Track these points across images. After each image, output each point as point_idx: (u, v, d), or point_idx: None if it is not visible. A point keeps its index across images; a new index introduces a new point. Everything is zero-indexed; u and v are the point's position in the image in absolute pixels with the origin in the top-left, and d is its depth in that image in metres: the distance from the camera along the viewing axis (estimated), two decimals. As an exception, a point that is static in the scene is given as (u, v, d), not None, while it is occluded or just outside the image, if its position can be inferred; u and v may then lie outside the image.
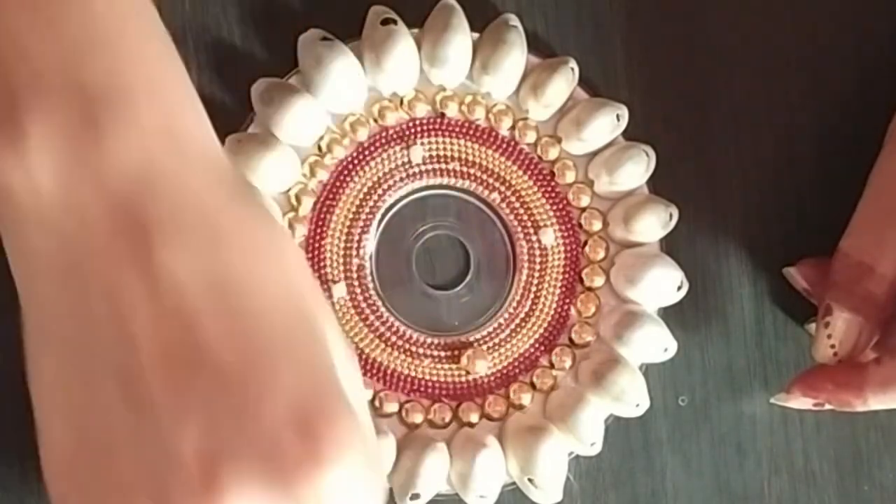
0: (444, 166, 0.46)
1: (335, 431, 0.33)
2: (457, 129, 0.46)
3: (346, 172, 0.46)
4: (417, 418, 0.45)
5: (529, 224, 0.46)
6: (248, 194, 0.35)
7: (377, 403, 0.45)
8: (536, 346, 0.46)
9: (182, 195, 0.33)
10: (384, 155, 0.46)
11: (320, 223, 0.45)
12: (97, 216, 0.32)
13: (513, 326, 0.46)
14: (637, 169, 0.46)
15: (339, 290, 0.45)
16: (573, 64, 0.46)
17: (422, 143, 0.46)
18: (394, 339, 0.45)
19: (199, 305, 0.33)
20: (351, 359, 0.37)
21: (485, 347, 0.46)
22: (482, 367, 0.45)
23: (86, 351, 0.33)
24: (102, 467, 0.33)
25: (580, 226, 0.47)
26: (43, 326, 0.34)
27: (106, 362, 0.33)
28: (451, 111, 0.46)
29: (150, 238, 0.33)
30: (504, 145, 0.46)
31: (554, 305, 0.46)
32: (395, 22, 0.45)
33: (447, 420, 0.45)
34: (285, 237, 0.36)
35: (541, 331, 0.46)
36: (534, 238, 0.46)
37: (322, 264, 0.45)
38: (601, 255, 0.46)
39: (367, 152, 0.46)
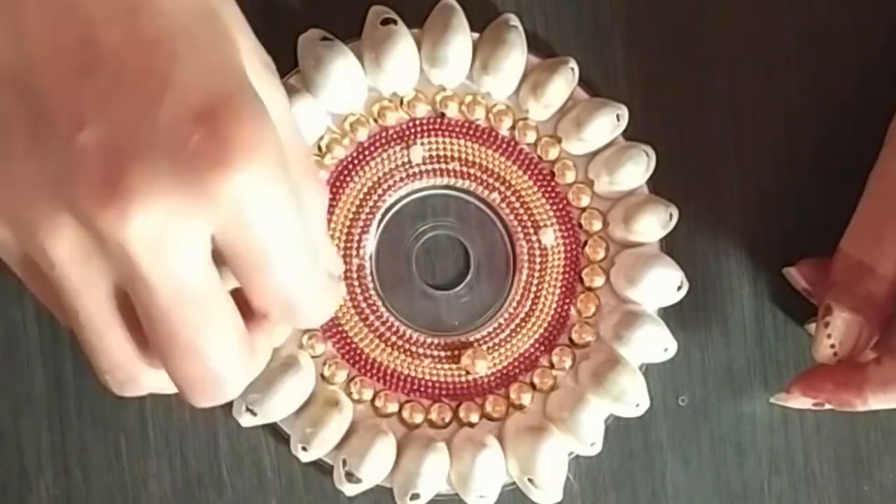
0: (444, 166, 0.46)
1: (244, 129, 0.31)
2: (457, 129, 0.46)
3: (346, 172, 0.46)
4: (417, 418, 0.45)
5: (529, 224, 0.46)
6: None
7: (377, 403, 0.45)
8: (536, 346, 0.46)
9: None
10: (384, 155, 0.46)
11: (320, 223, 0.45)
12: None
13: (513, 326, 0.46)
14: (637, 169, 0.46)
15: (340, 290, 0.45)
16: (573, 64, 0.46)
17: (422, 143, 0.46)
18: (394, 339, 0.45)
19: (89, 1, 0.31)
20: (268, 66, 0.36)
21: (485, 347, 0.46)
22: (482, 367, 0.45)
23: None
24: (8, 184, 0.31)
25: (580, 226, 0.47)
26: None
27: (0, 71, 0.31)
28: (451, 111, 0.46)
29: None
30: (504, 145, 0.46)
31: (554, 305, 0.46)
32: (395, 22, 0.45)
33: (447, 420, 0.45)
34: None
35: (541, 331, 0.46)
36: (534, 238, 0.46)
37: (322, 264, 0.45)
38: (601, 255, 0.46)
39: (367, 152, 0.46)
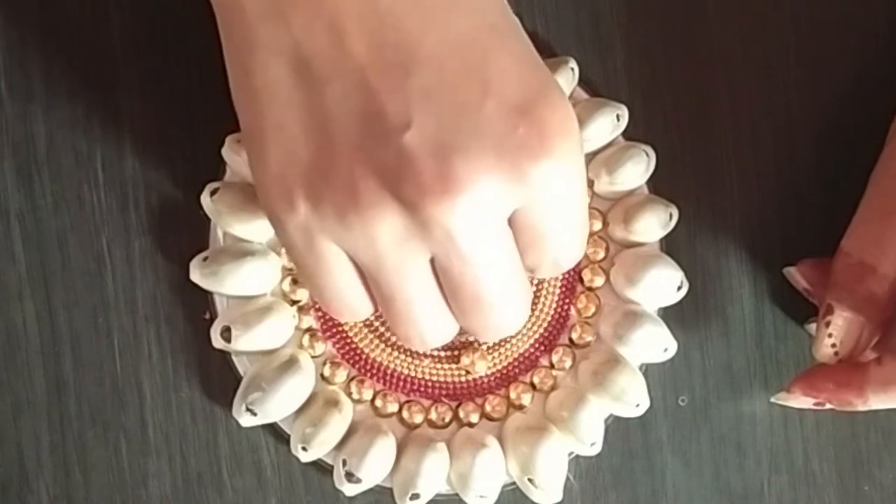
0: (444, 166, 0.46)
1: (557, 118, 0.35)
2: (457, 129, 0.46)
3: (346, 172, 0.45)
4: (417, 418, 0.45)
5: (529, 224, 0.46)
6: None
7: (377, 403, 0.45)
8: (536, 346, 0.46)
9: None
10: (384, 155, 0.46)
11: (320, 223, 0.45)
12: None
13: (513, 326, 0.46)
14: (637, 169, 0.46)
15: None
16: (573, 64, 0.46)
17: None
18: (394, 339, 0.45)
19: (403, 4, 0.34)
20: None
21: (485, 347, 0.46)
22: (482, 367, 0.45)
23: (305, 55, 0.34)
24: (335, 174, 0.34)
25: (580, 226, 0.46)
26: (262, 38, 0.35)
27: (326, 67, 0.34)
28: (451, 111, 0.46)
29: None
30: (504, 145, 0.46)
31: (554, 305, 0.46)
32: (395, 21, 0.45)
33: (447, 420, 0.45)
34: None
35: (541, 331, 0.46)
36: (534, 238, 0.46)
37: (322, 264, 0.45)
38: (601, 255, 0.46)
39: (367, 152, 0.46)
